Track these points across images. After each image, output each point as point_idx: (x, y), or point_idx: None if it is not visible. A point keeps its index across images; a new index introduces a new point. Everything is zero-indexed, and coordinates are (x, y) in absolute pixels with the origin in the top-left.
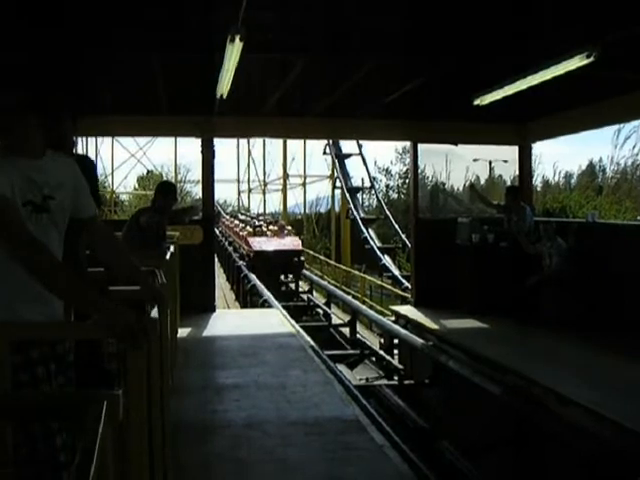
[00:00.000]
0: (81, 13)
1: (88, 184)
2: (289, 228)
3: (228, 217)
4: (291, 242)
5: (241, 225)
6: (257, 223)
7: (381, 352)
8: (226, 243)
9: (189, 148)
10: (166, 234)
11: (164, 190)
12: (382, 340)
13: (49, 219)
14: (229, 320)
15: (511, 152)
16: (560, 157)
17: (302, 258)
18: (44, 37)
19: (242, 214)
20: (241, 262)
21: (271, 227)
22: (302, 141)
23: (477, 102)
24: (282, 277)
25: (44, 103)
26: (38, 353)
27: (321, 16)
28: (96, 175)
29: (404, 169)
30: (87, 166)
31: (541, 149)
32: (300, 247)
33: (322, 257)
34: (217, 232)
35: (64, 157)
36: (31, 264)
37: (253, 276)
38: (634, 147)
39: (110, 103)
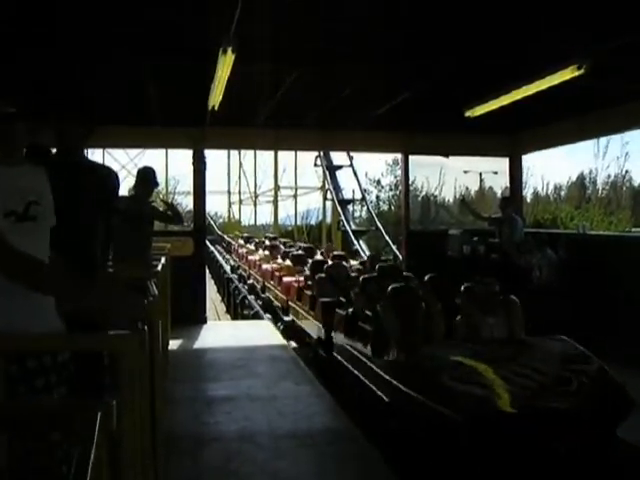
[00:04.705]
0: (73, 18)
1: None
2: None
3: (251, 246)
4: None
5: (327, 284)
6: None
7: None
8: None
9: (180, 160)
10: (153, 223)
11: (143, 177)
12: None
13: (33, 227)
14: (220, 332)
15: (501, 164)
16: (549, 169)
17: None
18: (35, 39)
19: (286, 245)
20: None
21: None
22: (293, 153)
23: (468, 114)
24: None
25: (32, 110)
26: (37, 364)
27: (315, 26)
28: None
29: (395, 181)
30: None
31: (532, 161)
32: None
33: None
34: (229, 272)
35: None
36: (5, 268)
37: (244, 288)
38: (619, 158)
39: (101, 113)
